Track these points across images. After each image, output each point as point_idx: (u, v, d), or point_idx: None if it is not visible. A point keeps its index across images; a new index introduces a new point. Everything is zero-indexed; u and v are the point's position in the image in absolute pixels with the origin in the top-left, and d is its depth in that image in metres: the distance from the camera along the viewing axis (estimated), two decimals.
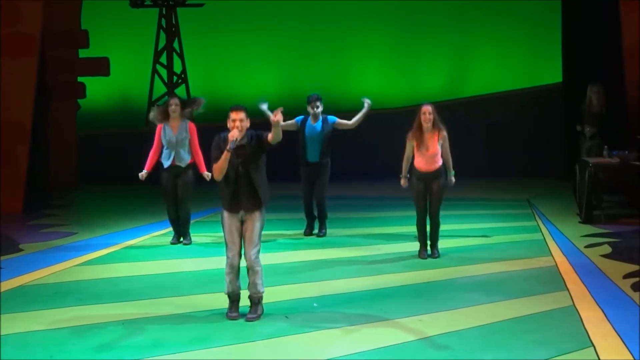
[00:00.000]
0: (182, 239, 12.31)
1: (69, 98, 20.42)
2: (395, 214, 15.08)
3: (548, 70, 22.20)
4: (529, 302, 8.69)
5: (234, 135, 7.76)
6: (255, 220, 8.00)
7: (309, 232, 12.97)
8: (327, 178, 12.65)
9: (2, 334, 7.68)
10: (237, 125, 7.81)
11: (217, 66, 23.87)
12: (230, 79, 23.70)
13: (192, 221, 12.60)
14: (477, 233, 13.00)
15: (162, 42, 23.70)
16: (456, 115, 21.71)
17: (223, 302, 8.40)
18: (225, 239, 8.12)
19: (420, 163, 10.92)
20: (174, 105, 11.97)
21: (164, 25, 23.67)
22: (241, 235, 8.04)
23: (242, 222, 8.02)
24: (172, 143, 11.94)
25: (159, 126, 12.02)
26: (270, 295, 9.08)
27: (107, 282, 9.99)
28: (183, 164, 11.99)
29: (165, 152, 12.01)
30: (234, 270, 8.11)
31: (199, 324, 8.02)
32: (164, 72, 23.71)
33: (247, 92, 23.44)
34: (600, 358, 6.77)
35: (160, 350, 7.16)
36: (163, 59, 23.72)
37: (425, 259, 11.05)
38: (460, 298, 9.00)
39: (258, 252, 8.06)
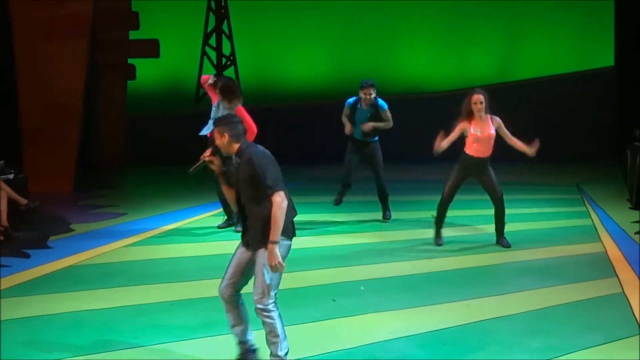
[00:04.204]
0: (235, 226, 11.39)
1: (119, 79, 20.56)
2: None
3: (600, 53, 21.91)
4: (578, 288, 8.62)
5: (204, 156, 6.25)
6: (259, 259, 6.08)
7: (339, 199, 12.63)
8: (380, 157, 12.35)
9: (52, 312, 7.81)
10: (218, 143, 6.08)
11: (266, 48, 23.86)
12: (279, 61, 23.70)
13: None
14: (526, 218, 12.89)
15: (212, 24, 23.77)
16: (507, 98, 21.52)
17: None
18: None
19: (473, 148, 10.43)
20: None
21: (214, 7, 23.72)
22: (242, 269, 6.33)
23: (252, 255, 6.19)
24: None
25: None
26: (318, 278, 9.13)
27: (156, 263, 10.09)
28: None
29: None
30: (226, 307, 6.45)
31: (247, 305, 8.03)
32: (213, 54, 23.79)
33: (296, 73, 23.48)
34: None
35: (210, 331, 7.22)
36: (212, 41, 23.79)
37: (441, 245, 10.86)
38: (508, 283, 8.96)
39: (264, 298, 6.15)
